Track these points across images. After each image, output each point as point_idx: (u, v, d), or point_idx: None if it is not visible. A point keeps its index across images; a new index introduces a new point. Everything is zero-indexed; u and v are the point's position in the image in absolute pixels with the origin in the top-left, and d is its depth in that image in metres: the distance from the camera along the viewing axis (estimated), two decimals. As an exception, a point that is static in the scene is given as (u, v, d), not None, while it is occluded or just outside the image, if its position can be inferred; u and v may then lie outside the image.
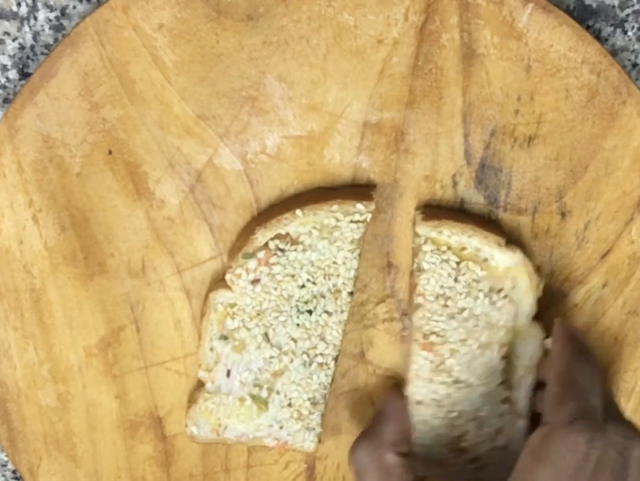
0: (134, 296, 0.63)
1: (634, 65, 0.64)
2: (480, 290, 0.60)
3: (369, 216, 0.59)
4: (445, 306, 0.60)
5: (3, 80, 0.63)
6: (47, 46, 0.62)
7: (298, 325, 0.61)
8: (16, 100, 0.59)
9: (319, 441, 0.64)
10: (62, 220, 0.61)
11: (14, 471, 0.72)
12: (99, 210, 0.61)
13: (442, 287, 0.60)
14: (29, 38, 0.62)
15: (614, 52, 0.64)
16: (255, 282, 0.60)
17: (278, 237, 0.59)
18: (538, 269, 0.62)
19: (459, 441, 0.62)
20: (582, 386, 0.53)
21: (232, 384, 0.62)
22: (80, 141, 0.60)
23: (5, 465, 0.72)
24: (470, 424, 0.62)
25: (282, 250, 0.60)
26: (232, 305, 0.61)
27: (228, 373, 0.62)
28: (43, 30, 0.62)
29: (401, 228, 0.62)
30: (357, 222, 0.59)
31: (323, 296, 0.61)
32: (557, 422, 0.51)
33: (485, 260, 0.60)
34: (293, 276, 0.60)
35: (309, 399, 0.62)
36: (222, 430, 0.63)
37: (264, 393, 0.62)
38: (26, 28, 0.62)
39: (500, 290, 0.60)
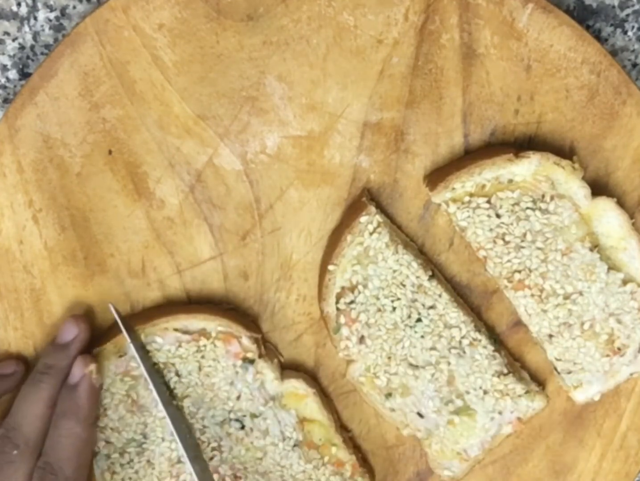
0: (134, 296, 0.63)
1: (634, 65, 0.64)
2: (526, 208, 0.58)
3: (378, 218, 0.59)
4: (507, 242, 0.59)
5: (3, 80, 0.63)
6: (47, 46, 0.62)
7: (422, 336, 0.61)
8: (16, 100, 0.59)
9: (543, 389, 0.63)
10: (62, 220, 0.61)
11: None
12: (99, 210, 0.61)
13: (491, 230, 0.59)
14: (29, 38, 0.62)
15: (614, 52, 0.64)
16: (361, 339, 0.61)
17: (340, 295, 0.60)
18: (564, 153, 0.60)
19: (612, 341, 0.60)
20: None
21: (431, 419, 0.62)
22: (80, 141, 0.60)
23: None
24: (609, 321, 0.60)
25: (352, 302, 0.60)
26: (367, 369, 0.61)
27: (420, 415, 0.62)
28: (43, 30, 0.62)
29: (402, 226, 0.62)
30: (375, 231, 0.59)
31: (414, 300, 0.60)
32: None
33: (510, 180, 0.59)
34: (380, 310, 0.60)
35: (493, 375, 0.61)
36: (466, 455, 0.63)
37: (459, 403, 0.62)
38: (26, 28, 0.62)
39: (543, 196, 0.59)
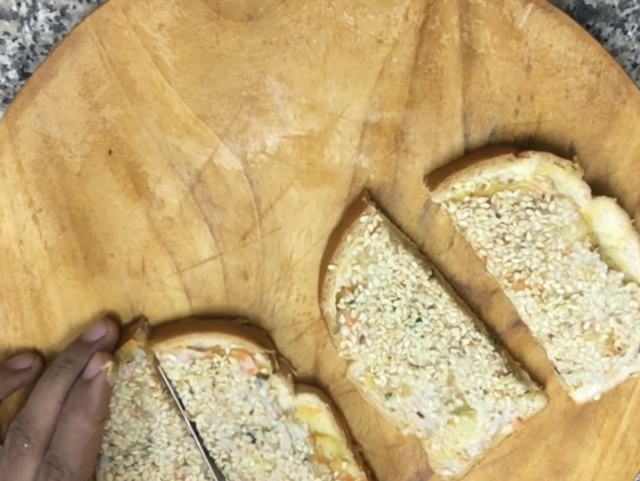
0: (134, 296, 0.63)
1: (634, 65, 0.64)
2: (526, 208, 0.58)
3: (378, 217, 0.59)
4: (507, 242, 0.59)
5: (3, 80, 0.63)
6: (47, 46, 0.62)
7: (422, 336, 0.61)
8: (16, 100, 0.59)
9: (543, 389, 0.63)
10: (62, 220, 0.61)
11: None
12: (99, 210, 0.61)
13: (491, 229, 0.59)
14: (29, 38, 0.62)
15: (614, 52, 0.64)
16: (361, 339, 0.61)
17: (340, 295, 0.60)
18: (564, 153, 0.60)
19: (612, 341, 0.60)
20: None
21: (431, 419, 0.62)
22: (80, 141, 0.60)
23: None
24: (609, 321, 0.60)
25: (352, 302, 0.60)
26: (367, 369, 0.61)
27: (420, 415, 0.62)
28: (43, 30, 0.62)
29: (402, 226, 0.62)
30: (375, 231, 0.59)
31: (414, 300, 0.60)
32: None
33: (510, 180, 0.59)
34: (380, 310, 0.60)
35: (493, 375, 0.61)
36: (466, 454, 0.63)
37: (459, 403, 0.61)
38: (26, 28, 0.62)
39: (543, 196, 0.58)
